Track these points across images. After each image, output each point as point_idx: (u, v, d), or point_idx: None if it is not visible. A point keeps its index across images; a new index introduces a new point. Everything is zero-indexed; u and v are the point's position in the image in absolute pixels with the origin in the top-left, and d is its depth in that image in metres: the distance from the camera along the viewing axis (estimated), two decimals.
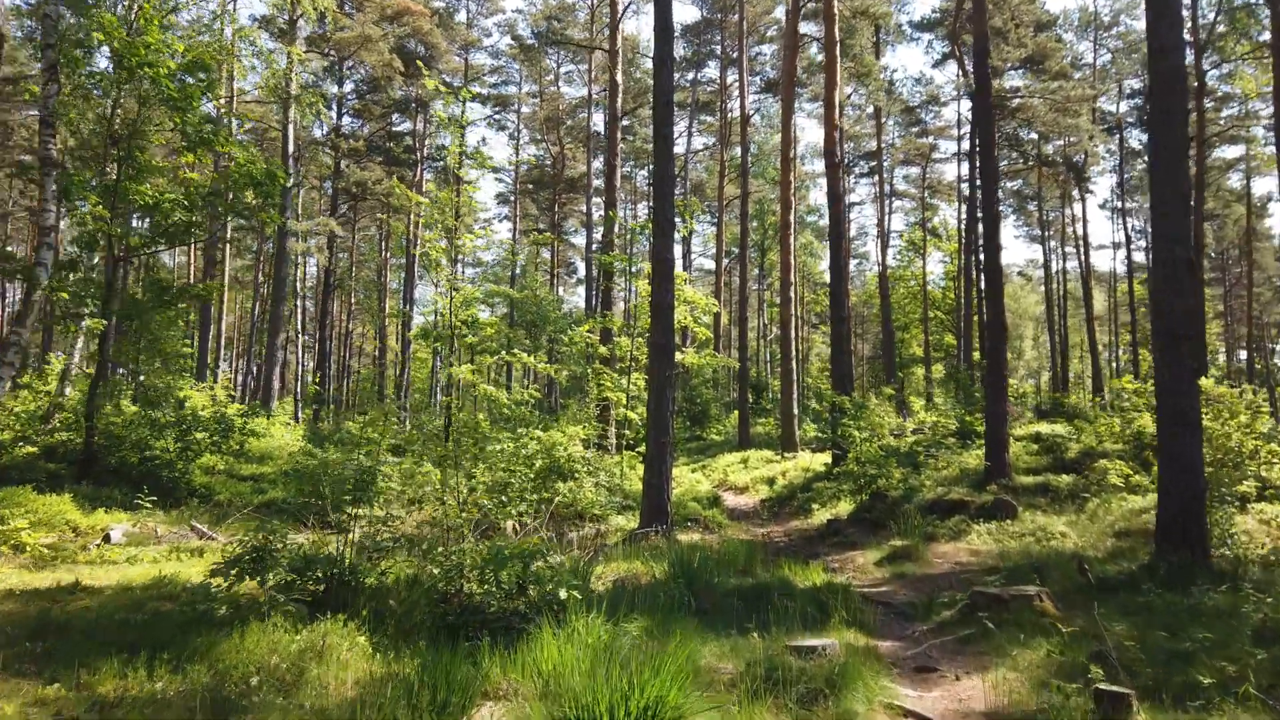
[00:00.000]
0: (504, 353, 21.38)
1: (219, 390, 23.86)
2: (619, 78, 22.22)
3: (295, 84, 28.94)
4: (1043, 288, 69.93)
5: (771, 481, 19.35)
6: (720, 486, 21.04)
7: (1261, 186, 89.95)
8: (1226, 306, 58.16)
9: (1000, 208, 35.83)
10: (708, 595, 7.99)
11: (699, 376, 32.47)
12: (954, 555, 11.83)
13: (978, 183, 34.34)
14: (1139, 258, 49.93)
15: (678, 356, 18.65)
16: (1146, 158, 9.84)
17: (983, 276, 16.15)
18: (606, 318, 19.69)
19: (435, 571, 6.65)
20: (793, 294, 23.15)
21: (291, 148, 29.40)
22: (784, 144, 23.64)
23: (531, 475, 14.99)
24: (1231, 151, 41.85)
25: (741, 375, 26.72)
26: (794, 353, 23.23)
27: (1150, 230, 9.57)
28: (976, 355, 34.40)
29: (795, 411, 23.21)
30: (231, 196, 15.36)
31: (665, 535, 12.19)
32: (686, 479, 20.16)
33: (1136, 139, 43.41)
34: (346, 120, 42.76)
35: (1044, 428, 17.56)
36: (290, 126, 28.98)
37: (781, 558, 11.67)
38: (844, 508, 15.69)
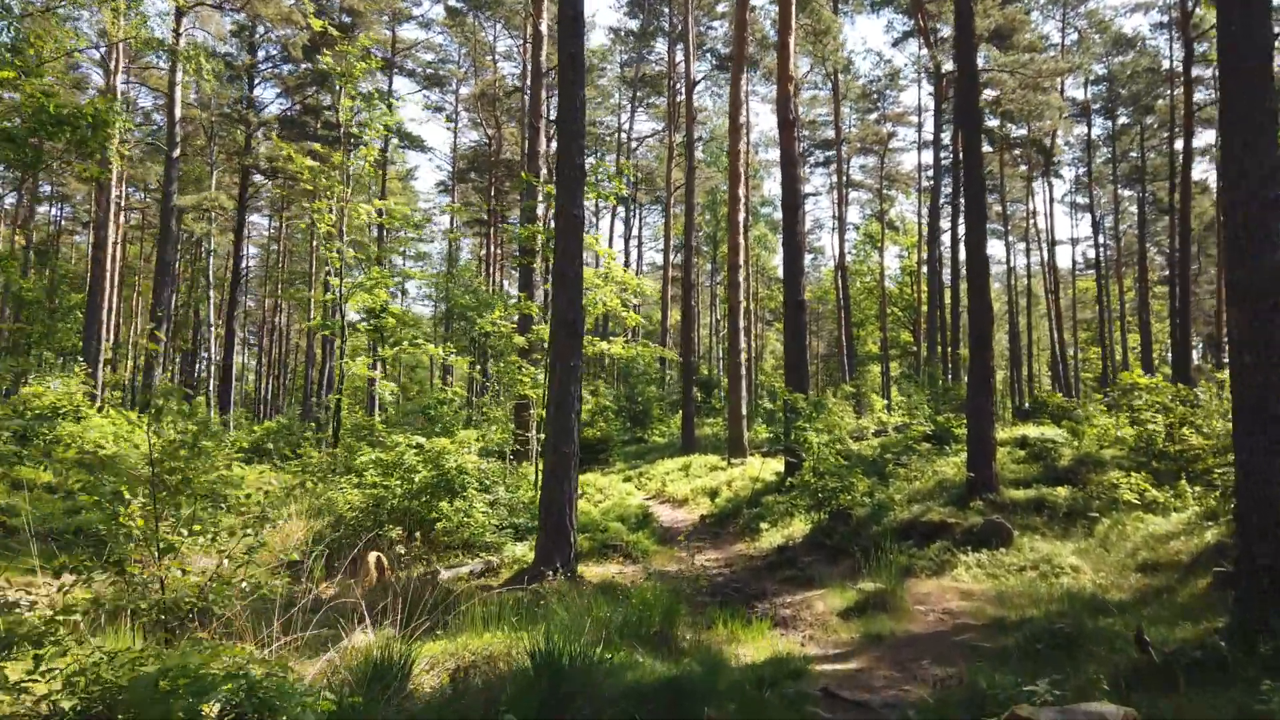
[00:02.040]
0: (406, 344, 18.35)
1: (74, 384, 20.43)
2: (543, 27, 19.26)
3: (184, 39, 25.55)
4: (997, 284, 68.63)
5: (714, 494, 16.54)
6: (656, 498, 18.19)
7: None
8: (1173, 307, 56.86)
9: (960, 198, 33.67)
10: (588, 704, 5.10)
11: (637, 372, 29.59)
12: (940, 599, 9.11)
13: (944, 163, 32.07)
14: (1087, 255, 48.24)
15: (604, 346, 15.79)
16: (1216, 65, 7.13)
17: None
18: (521, 300, 16.72)
19: (64, 707, 3.67)
20: (741, 278, 20.45)
21: (179, 112, 25.94)
22: (733, 108, 20.91)
23: (412, 490, 12.07)
24: (1198, 140, 40.28)
25: (686, 371, 23.91)
26: (743, 345, 20.52)
27: (1220, 162, 6.94)
28: (939, 351, 32.08)
29: (745, 411, 20.47)
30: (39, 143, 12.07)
31: (567, 573, 9.30)
32: (616, 490, 17.30)
33: (1101, 125, 41.68)
34: (268, 95, 39.28)
35: (1030, 430, 15.01)
36: (177, 88, 25.52)
37: (716, 605, 8.86)
38: (798, 528, 12.94)
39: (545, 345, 16.84)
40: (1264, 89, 6.64)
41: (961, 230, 28.91)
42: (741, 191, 20.60)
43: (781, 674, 6.08)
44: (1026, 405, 20.68)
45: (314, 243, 49.39)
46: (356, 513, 11.80)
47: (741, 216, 20.52)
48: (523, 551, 11.03)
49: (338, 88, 22.42)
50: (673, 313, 45.72)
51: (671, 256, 41.96)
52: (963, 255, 30.44)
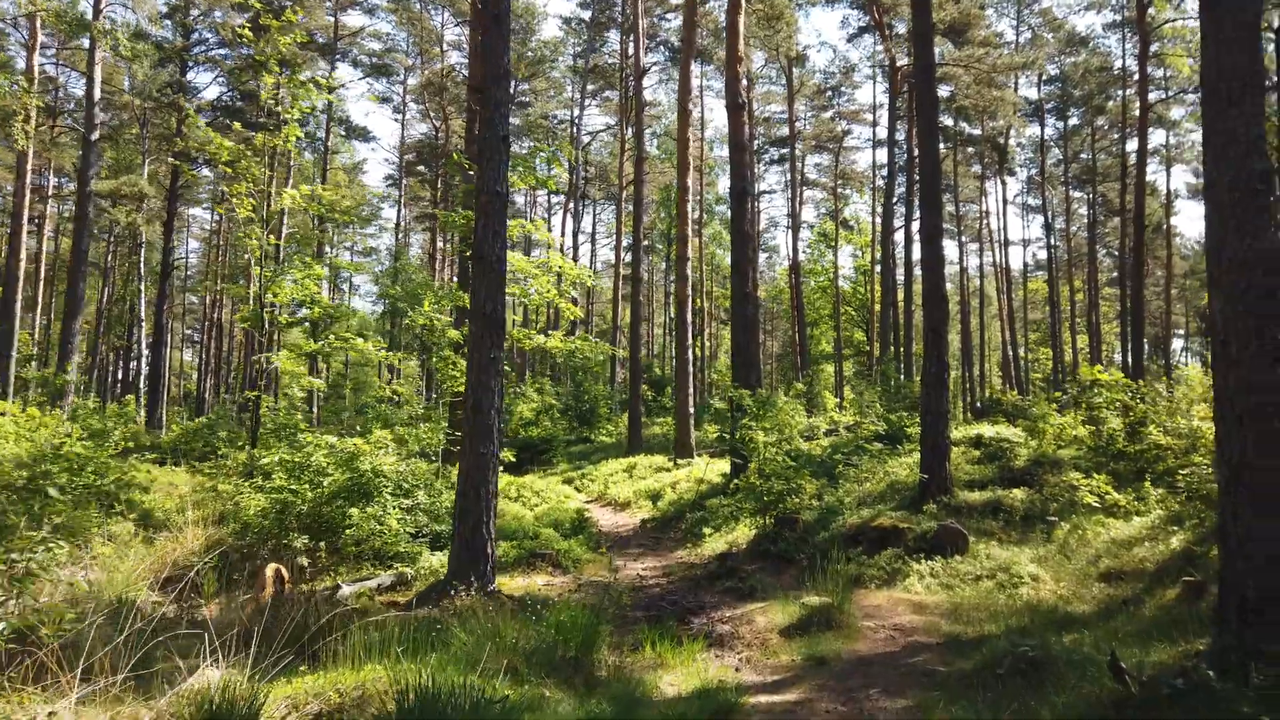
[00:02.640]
0: (334, 338, 17.24)
1: None
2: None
3: (105, 18, 24.13)
4: (949, 284, 68.66)
5: (656, 497, 15.69)
6: (597, 501, 17.31)
7: (1176, 178, 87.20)
8: (1125, 307, 57.30)
9: (915, 195, 33.33)
10: None
11: (577, 366, 28.52)
12: (891, 613, 8.36)
13: (899, 163, 31.65)
14: (1037, 256, 48.33)
15: (542, 340, 14.86)
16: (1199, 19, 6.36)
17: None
18: (453, 291, 15.73)
19: None
20: (690, 271, 19.62)
21: (98, 92, 24.45)
22: (682, 94, 20.07)
23: (323, 495, 11.07)
24: (1150, 140, 40.41)
25: (634, 368, 23.04)
26: (691, 341, 19.69)
27: (1202, 127, 6.23)
28: (893, 350, 31.62)
29: (691, 410, 19.66)
30: None
31: (483, 588, 8.39)
32: (554, 493, 16.37)
33: (1053, 125, 41.71)
34: (204, 80, 37.50)
35: (985, 429, 14.41)
36: (96, 67, 24.03)
37: (647, 622, 8.01)
38: (742, 533, 12.16)
39: None
40: (1251, 39, 5.97)
41: (916, 227, 28.53)
42: (691, 181, 19.80)
43: (708, 709, 5.24)
44: (980, 403, 20.17)
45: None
46: (264, 519, 10.76)
47: (691, 207, 19.70)
48: (440, 562, 10.08)
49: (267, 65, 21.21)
50: (625, 312, 44.79)
51: (625, 255, 41.06)
52: (916, 253, 30.08)
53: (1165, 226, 38.21)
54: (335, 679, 5.18)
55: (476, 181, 9.22)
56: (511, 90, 41.16)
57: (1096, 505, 10.58)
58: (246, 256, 18.00)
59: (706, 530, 12.80)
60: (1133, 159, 34.51)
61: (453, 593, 8.23)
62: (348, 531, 10.25)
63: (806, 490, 11.89)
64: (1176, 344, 70.77)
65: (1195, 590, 7.82)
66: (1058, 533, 10.29)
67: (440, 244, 49.63)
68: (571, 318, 15.36)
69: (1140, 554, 9.19)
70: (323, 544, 10.24)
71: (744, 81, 16.75)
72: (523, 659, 6.03)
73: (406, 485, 11.43)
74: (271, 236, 16.90)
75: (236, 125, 17.59)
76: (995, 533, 10.65)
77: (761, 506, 11.76)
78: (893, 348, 31.72)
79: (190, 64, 35.70)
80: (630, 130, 39.06)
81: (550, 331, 15.21)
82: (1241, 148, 5.77)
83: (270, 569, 9.49)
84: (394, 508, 10.56)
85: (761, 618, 8.32)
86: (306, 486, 10.86)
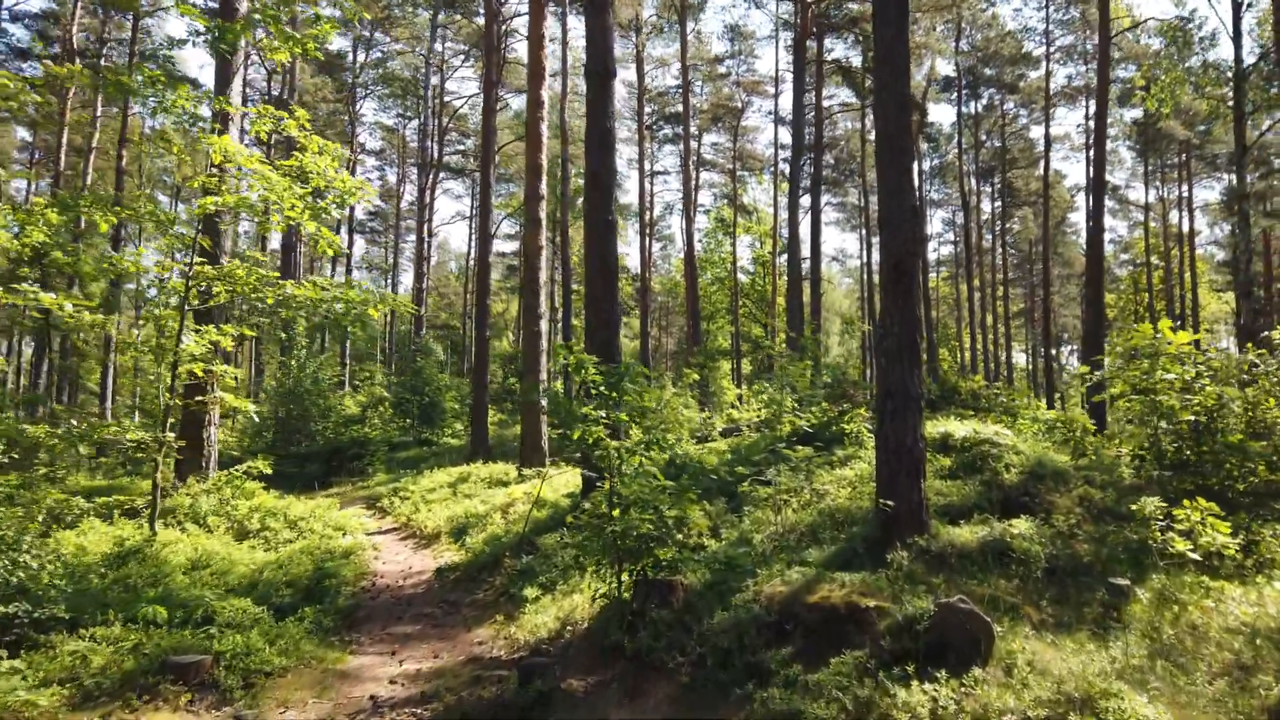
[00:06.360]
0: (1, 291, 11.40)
1: None
2: None
3: None
4: (849, 280, 65.82)
5: (465, 529, 10.50)
6: (397, 532, 12.04)
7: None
8: (1030, 303, 55.24)
9: (819, 178, 29.42)
10: None
11: (427, 352, 22.85)
12: None
13: (805, 139, 27.37)
14: (941, 250, 45.39)
15: (286, 287, 9.58)
16: None
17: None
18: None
19: None
20: (542, 212, 14.52)
21: None
22: None
23: None
24: (1063, 124, 37.65)
25: (479, 349, 17.67)
26: (544, 308, 14.50)
27: None
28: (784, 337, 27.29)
29: (543, 401, 14.61)
30: None
31: None
32: (324, 522, 10.98)
33: (966, 108, 38.49)
34: None
35: (953, 425, 9.82)
36: None
37: None
38: (584, 601, 7.21)
39: (240, 282, 10.38)
40: None
41: (823, 203, 24.39)
42: (543, 93, 14.71)
43: None
44: (930, 394, 15.80)
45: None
46: None
47: (543, 130, 14.62)
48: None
49: None
50: (512, 306, 39.16)
51: (503, 239, 35.57)
52: (824, 238, 26.14)
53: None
54: None
55: None
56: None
57: (1191, 555, 6.06)
58: None
59: (530, 591, 7.78)
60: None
61: None
62: None
63: (692, 526, 6.98)
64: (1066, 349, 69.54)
65: None
66: (1135, 608, 5.71)
67: None
68: (334, 252, 10.02)
69: None
70: None
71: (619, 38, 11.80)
72: None
73: None
74: None
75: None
76: (1014, 603, 6.01)
77: (617, 554, 6.74)
78: (782, 335, 27.43)
79: None
80: (503, 92, 33.53)
81: (304, 281, 9.88)
82: None
83: None
84: None
85: None
86: None
